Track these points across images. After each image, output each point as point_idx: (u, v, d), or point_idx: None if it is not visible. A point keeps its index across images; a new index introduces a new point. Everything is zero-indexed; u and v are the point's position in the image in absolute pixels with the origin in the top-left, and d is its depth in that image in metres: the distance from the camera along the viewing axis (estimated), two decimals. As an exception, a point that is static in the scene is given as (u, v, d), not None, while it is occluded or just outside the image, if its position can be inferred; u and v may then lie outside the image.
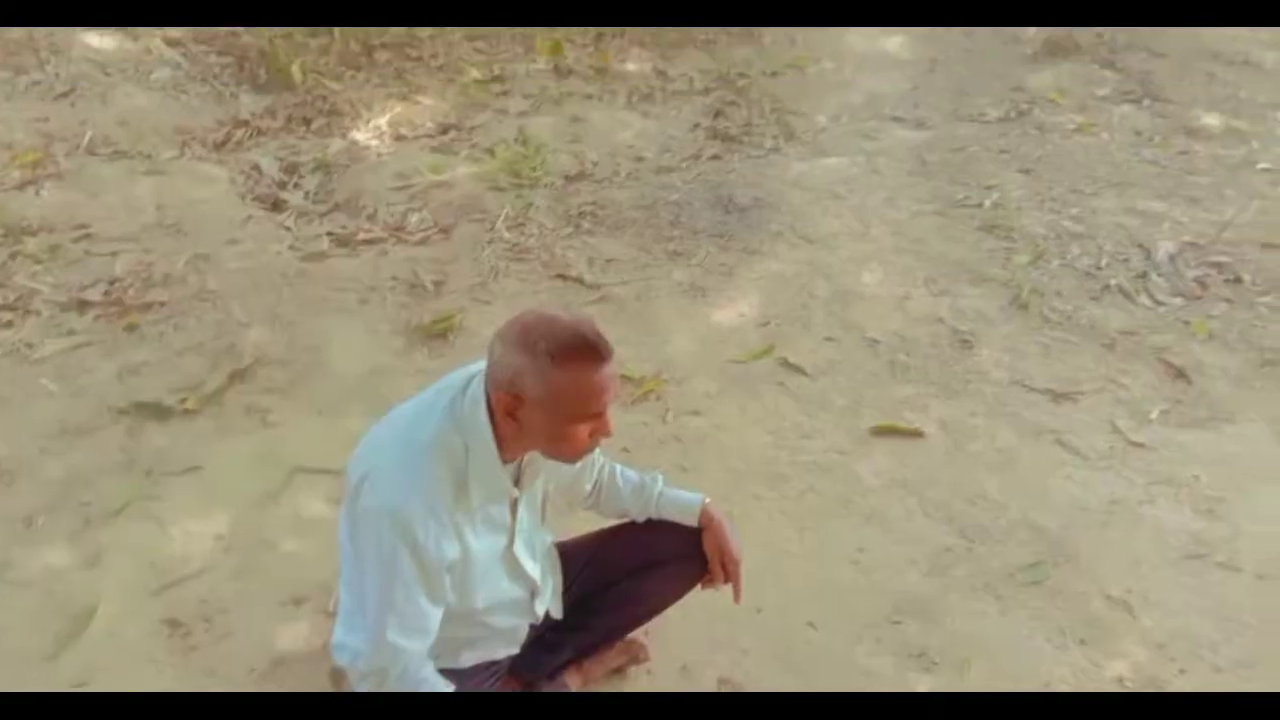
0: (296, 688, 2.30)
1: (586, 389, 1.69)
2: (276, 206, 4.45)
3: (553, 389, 1.67)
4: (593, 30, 5.97)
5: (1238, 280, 4.15)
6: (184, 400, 3.20)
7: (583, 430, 1.75)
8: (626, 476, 2.21)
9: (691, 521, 2.20)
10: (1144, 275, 4.21)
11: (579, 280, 4.02)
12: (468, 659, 2.04)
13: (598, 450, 2.17)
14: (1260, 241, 4.37)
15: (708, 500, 2.21)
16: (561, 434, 1.75)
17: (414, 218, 4.39)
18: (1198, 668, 2.53)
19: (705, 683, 2.38)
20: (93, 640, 2.40)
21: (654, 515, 2.22)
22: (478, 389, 1.78)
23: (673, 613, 2.35)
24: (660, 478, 2.23)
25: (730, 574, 2.18)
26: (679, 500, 2.21)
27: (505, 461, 1.82)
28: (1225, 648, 2.59)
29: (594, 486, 2.20)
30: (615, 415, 1.81)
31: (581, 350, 1.67)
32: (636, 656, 2.40)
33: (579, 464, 2.04)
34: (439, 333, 3.63)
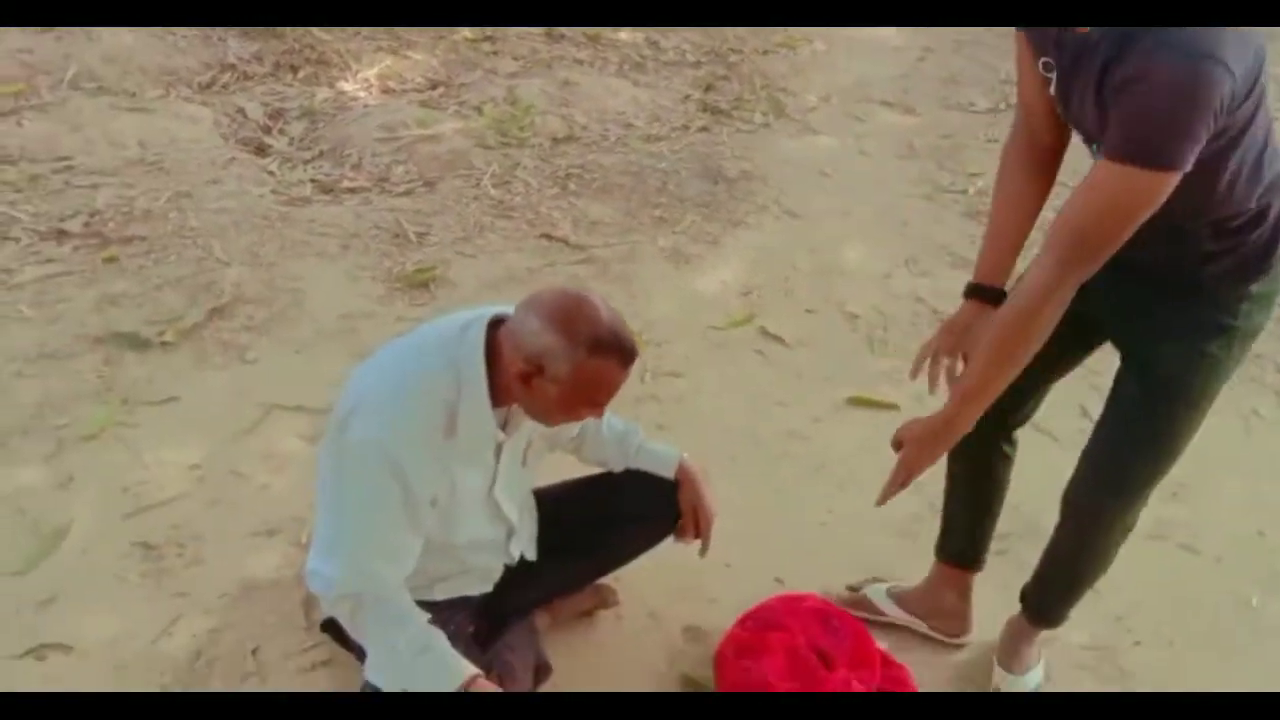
0: (267, 614, 2.30)
1: (606, 384, 1.77)
2: (260, 150, 4.42)
3: (577, 375, 1.72)
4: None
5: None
6: (162, 333, 3.18)
7: (582, 412, 1.84)
8: (612, 425, 2.24)
9: (668, 474, 2.24)
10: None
11: (564, 240, 4.02)
12: (440, 593, 2.05)
13: None
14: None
15: (685, 455, 2.25)
16: (562, 410, 1.82)
17: (399, 169, 4.37)
18: (1153, 641, 2.59)
19: (672, 629, 2.41)
20: (63, 559, 2.39)
21: (631, 465, 2.25)
22: (477, 335, 1.81)
23: (643, 561, 2.38)
24: (639, 429, 2.26)
25: (701, 529, 2.23)
26: (657, 453, 2.26)
27: (495, 404, 1.84)
28: (1180, 625, 2.65)
29: (580, 432, 2.22)
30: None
31: (616, 350, 1.74)
32: (605, 600, 2.43)
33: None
34: (420, 282, 3.63)
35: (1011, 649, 2.38)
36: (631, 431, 2.26)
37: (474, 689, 1.78)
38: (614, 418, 2.24)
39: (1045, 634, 2.40)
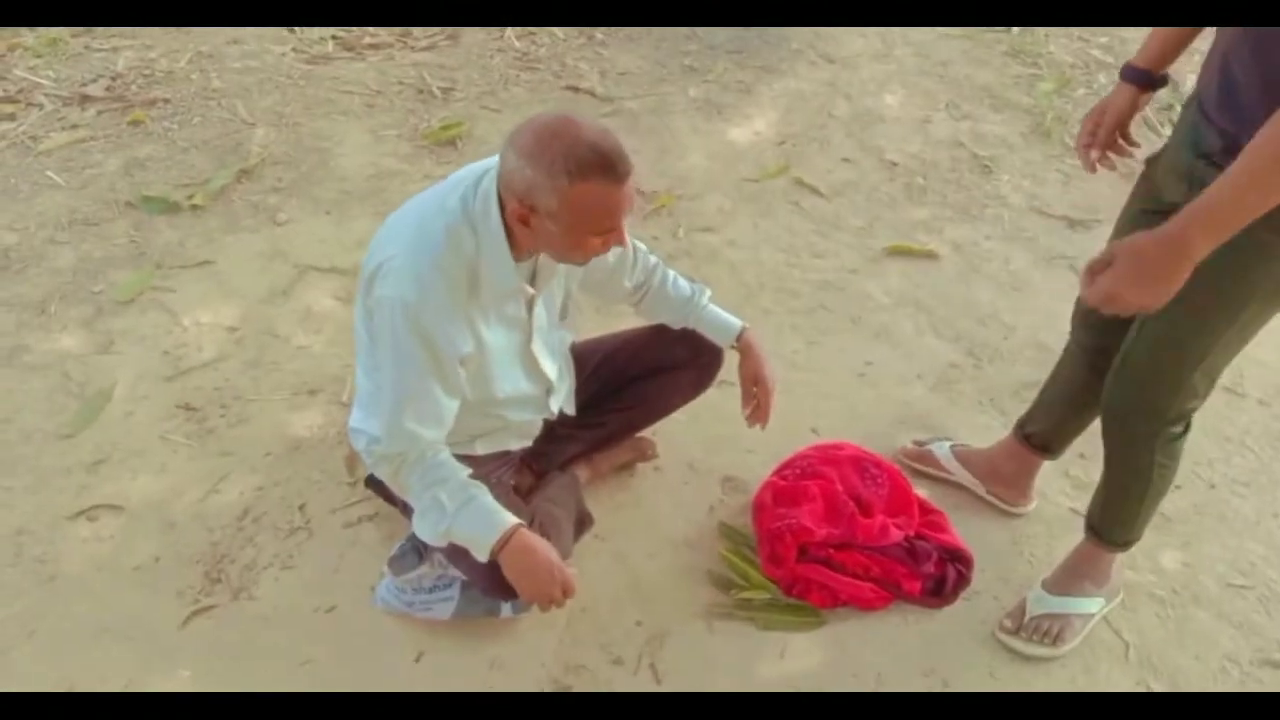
0: (312, 471, 2.34)
1: (601, 206, 1.65)
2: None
3: (567, 204, 1.62)
4: None
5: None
6: (191, 196, 3.15)
7: (595, 241, 1.72)
8: (679, 287, 2.18)
9: (727, 343, 2.20)
10: (1170, 107, 4.10)
11: (590, 93, 3.91)
12: (481, 448, 2.07)
13: (648, 251, 2.17)
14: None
15: (747, 326, 2.20)
16: (574, 244, 1.71)
17: (421, 23, 4.25)
18: (1193, 483, 2.57)
19: (710, 480, 2.43)
20: (109, 421, 2.43)
21: (691, 326, 2.21)
22: (490, 185, 1.74)
23: (680, 415, 2.38)
24: (708, 291, 2.20)
25: (761, 399, 2.19)
26: (719, 320, 2.20)
27: (518, 259, 1.80)
28: (1222, 465, 2.64)
29: (641, 286, 2.17)
30: (627, 228, 1.78)
31: (600, 168, 1.61)
32: (644, 453, 2.44)
33: (610, 260, 2.05)
34: (447, 139, 3.56)
35: (1063, 569, 2.21)
36: (698, 292, 2.19)
37: (516, 538, 1.81)
38: (681, 279, 2.19)
39: (1113, 560, 2.20)
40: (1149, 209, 1.80)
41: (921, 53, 4.33)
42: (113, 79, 3.69)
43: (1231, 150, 1.48)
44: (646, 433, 2.43)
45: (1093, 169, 2.00)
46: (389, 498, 2.13)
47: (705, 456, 2.48)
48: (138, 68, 3.77)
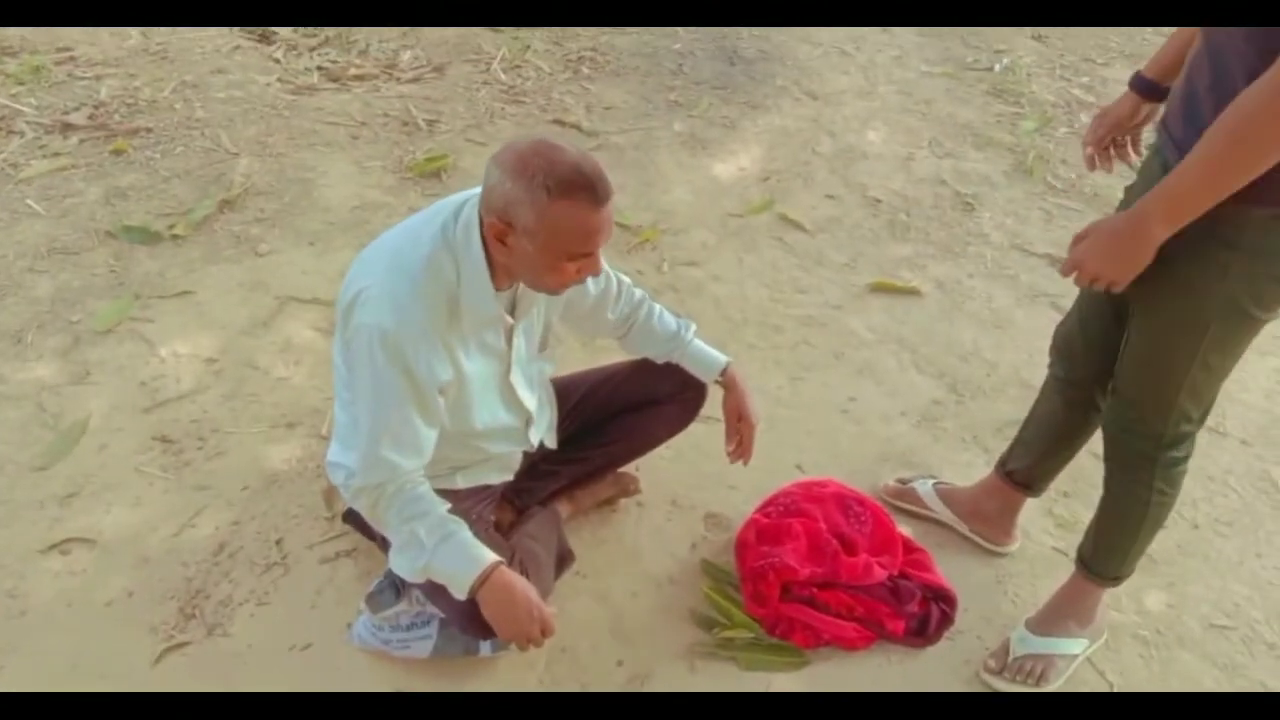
0: (289, 505, 2.31)
1: (579, 228, 1.63)
2: (264, 38, 4.30)
3: (545, 222, 1.61)
4: None
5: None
6: (173, 226, 3.13)
7: (570, 267, 1.70)
8: (664, 322, 2.18)
9: (711, 378, 2.20)
10: (1150, 146, 4.13)
11: (576, 126, 3.92)
12: (462, 481, 2.05)
13: (633, 285, 2.16)
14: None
15: (731, 362, 2.19)
16: (548, 266, 1.69)
17: (406, 55, 4.26)
18: (1177, 524, 2.57)
19: (693, 516, 2.41)
20: (84, 453, 2.39)
21: (675, 361, 2.20)
22: (471, 213, 1.73)
23: (664, 450, 2.37)
24: (693, 327, 2.20)
25: (744, 436, 2.18)
26: (704, 355, 2.19)
27: (498, 288, 1.79)
28: (1205, 505, 2.64)
29: (626, 320, 2.16)
30: (609, 260, 1.77)
31: (580, 188, 1.60)
32: (627, 489, 2.42)
33: (593, 292, 2.05)
34: (432, 171, 3.55)
35: (1048, 608, 2.19)
36: (684, 327, 2.19)
37: (495, 576, 1.78)
38: (668, 313, 2.19)
39: (1099, 599, 2.17)
40: None
41: (904, 90, 4.36)
42: (95, 107, 3.68)
43: None
44: (629, 468, 2.41)
45: (1090, 166, 2.07)
46: (368, 533, 2.10)
47: (688, 493, 2.47)
48: (121, 96, 3.76)
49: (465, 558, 1.79)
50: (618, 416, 2.27)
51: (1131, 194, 1.84)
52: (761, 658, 2.12)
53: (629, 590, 2.23)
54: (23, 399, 2.52)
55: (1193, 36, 1.78)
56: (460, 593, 1.79)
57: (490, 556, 1.80)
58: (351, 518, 2.14)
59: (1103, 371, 2.01)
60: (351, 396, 1.85)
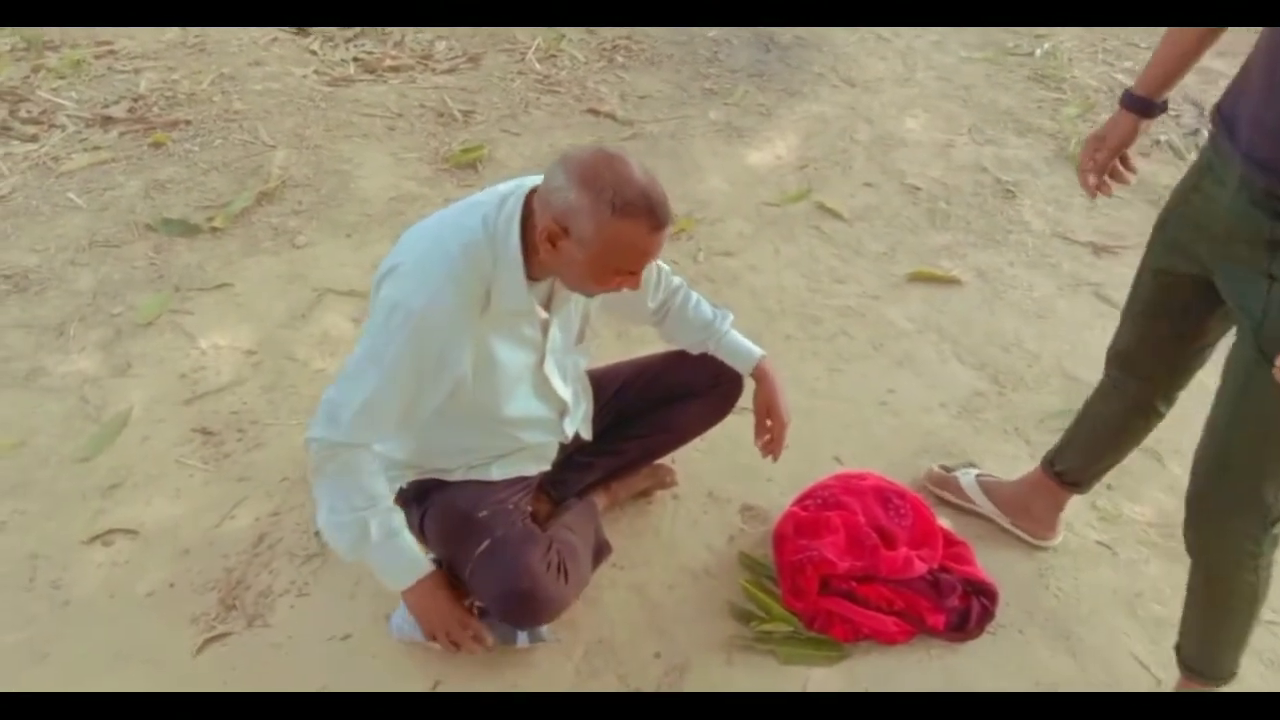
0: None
1: (635, 248, 1.66)
2: (301, 31, 4.32)
3: (603, 237, 1.63)
4: None
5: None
6: (212, 219, 3.16)
7: (614, 280, 1.72)
8: (700, 310, 2.16)
9: (745, 370, 2.18)
10: (1196, 133, 4.07)
11: (611, 116, 3.91)
12: (498, 472, 2.04)
13: (672, 272, 2.15)
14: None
15: (765, 356, 2.18)
16: (593, 277, 1.71)
17: (441, 46, 4.27)
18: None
19: (730, 509, 2.40)
20: (125, 445, 2.41)
21: (709, 352, 2.19)
22: (515, 207, 1.73)
23: (700, 443, 2.35)
24: (730, 317, 2.18)
25: (775, 431, 2.16)
26: (739, 347, 2.17)
27: (532, 280, 1.78)
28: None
29: (662, 306, 2.15)
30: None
31: (644, 211, 1.62)
32: (663, 481, 2.41)
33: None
34: (468, 163, 3.56)
35: None
36: (720, 317, 2.17)
37: (427, 580, 1.89)
38: (704, 302, 2.17)
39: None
40: (1167, 271, 1.82)
41: (944, 76, 4.31)
42: (135, 101, 3.71)
43: None
44: (665, 460, 2.40)
45: (1093, 195, 1.96)
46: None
47: (725, 485, 2.45)
48: (160, 89, 3.79)
49: (407, 560, 1.89)
50: (653, 409, 2.26)
51: (1182, 229, 1.76)
52: (800, 651, 2.10)
53: (666, 583, 2.22)
54: (65, 391, 2.55)
55: (1187, 46, 1.76)
56: (392, 587, 1.91)
57: (428, 565, 1.91)
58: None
59: (1166, 381, 1.97)
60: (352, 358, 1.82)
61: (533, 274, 1.77)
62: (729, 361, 2.18)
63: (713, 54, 4.31)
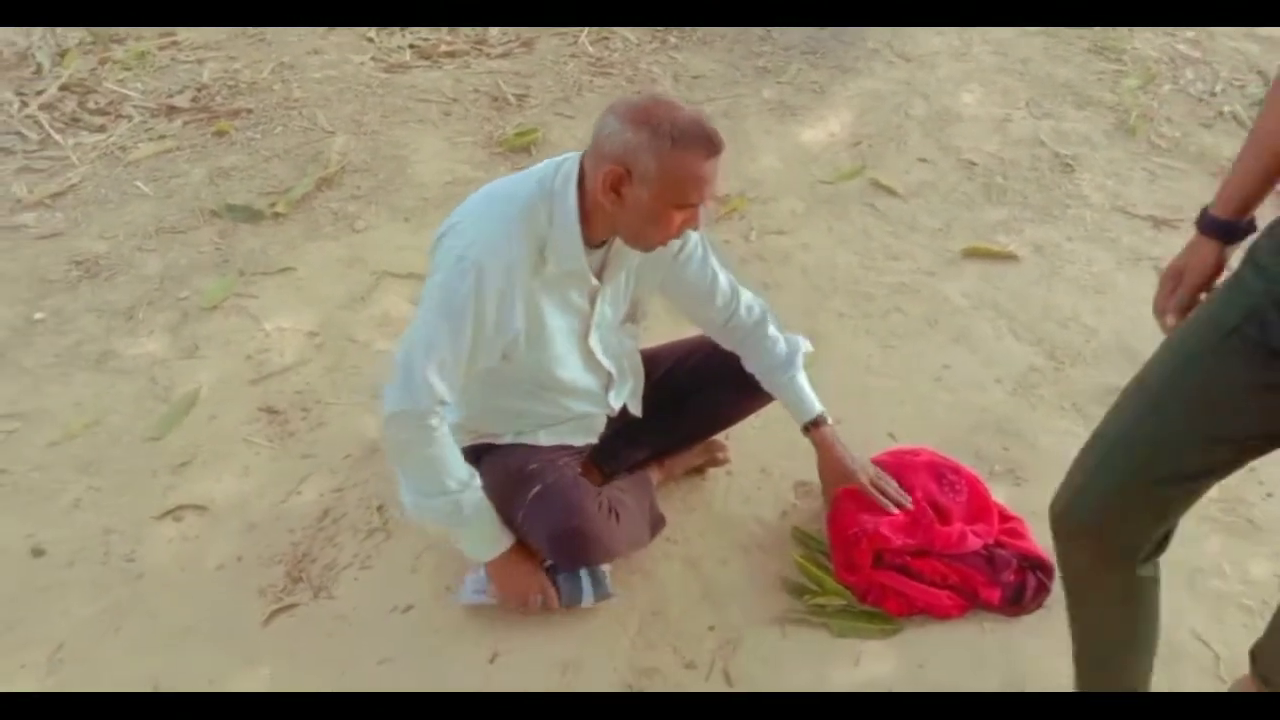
0: (390, 472, 2.37)
1: (696, 175, 1.68)
2: (359, 17, 4.38)
3: (665, 168, 1.66)
4: None
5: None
6: (274, 204, 3.23)
7: (677, 217, 1.74)
8: (775, 349, 2.18)
9: (798, 422, 2.24)
10: (1260, 103, 3.96)
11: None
12: (545, 439, 2.09)
13: (756, 295, 2.18)
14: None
15: (825, 415, 2.23)
16: (657, 216, 1.73)
17: (495, 30, 4.30)
18: (1287, 492, 2.48)
19: (783, 484, 2.41)
20: (194, 424, 2.50)
21: (770, 389, 2.23)
22: (572, 168, 1.78)
23: (753, 419, 2.37)
24: (801, 351, 2.20)
25: (873, 499, 2.21)
26: (800, 396, 2.22)
27: (590, 243, 1.81)
28: (1319, 474, 2.54)
29: (731, 318, 2.15)
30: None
31: (701, 137, 1.66)
32: (716, 457, 2.43)
33: (693, 268, 2.06)
34: (522, 146, 3.59)
35: None
36: (791, 362, 2.19)
37: (510, 552, 2.01)
38: (782, 340, 2.18)
39: None
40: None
41: (1000, 50, 4.25)
42: (198, 90, 3.80)
43: None
44: (719, 435, 2.42)
45: (1169, 333, 1.59)
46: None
47: (777, 461, 2.46)
48: (222, 79, 3.88)
49: (493, 534, 2.00)
50: (705, 389, 2.28)
51: (1222, 316, 1.42)
52: (853, 624, 2.12)
53: (719, 557, 2.24)
54: (136, 373, 2.64)
55: (1272, 158, 1.47)
56: (479, 559, 2.03)
57: (510, 537, 2.02)
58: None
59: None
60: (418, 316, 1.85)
61: (589, 238, 1.81)
62: (786, 407, 2.24)
63: (765, 32, 4.29)
